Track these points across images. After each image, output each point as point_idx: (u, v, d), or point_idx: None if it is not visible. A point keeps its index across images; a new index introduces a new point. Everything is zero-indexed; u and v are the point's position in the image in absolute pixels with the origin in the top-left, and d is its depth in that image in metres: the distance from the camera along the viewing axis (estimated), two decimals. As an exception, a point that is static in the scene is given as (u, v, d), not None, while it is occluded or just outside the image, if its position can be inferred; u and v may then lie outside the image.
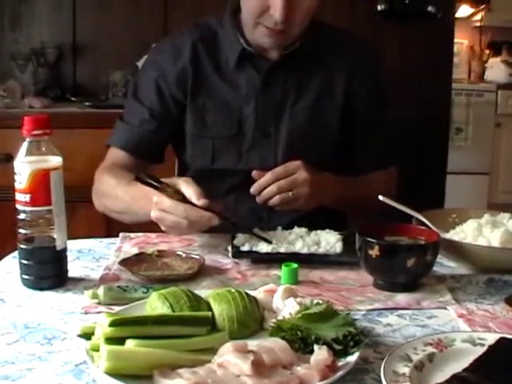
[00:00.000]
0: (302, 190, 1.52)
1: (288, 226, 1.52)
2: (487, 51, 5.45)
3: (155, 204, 1.39)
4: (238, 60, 1.70)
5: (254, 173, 1.54)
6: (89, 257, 1.45)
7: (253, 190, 1.53)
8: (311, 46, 1.72)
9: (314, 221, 1.53)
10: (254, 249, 1.41)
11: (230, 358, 0.89)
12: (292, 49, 1.69)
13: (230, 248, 1.45)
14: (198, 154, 1.73)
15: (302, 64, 1.72)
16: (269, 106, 1.71)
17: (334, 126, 1.74)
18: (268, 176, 1.51)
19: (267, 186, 1.51)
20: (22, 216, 1.22)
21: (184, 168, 1.81)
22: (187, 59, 1.72)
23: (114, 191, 1.62)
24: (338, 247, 1.41)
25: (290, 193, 1.51)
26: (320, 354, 0.92)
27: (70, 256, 1.33)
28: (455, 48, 4.30)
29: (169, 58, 1.73)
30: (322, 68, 1.74)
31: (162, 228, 1.42)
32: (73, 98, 3.40)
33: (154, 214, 1.40)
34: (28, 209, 1.21)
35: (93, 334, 0.97)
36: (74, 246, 1.47)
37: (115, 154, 1.75)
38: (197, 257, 1.39)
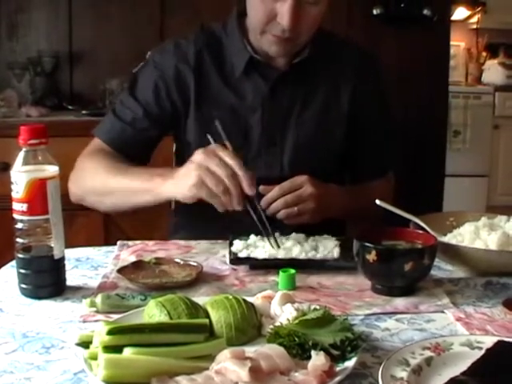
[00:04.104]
0: (308, 205, 1.53)
1: (290, 232, 1.52)
2: (484, 53, 5.45)
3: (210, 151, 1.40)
4: (245, 68, 1.70)
5: (262, 188, 1.52)
6: (87, 265, 1.45)
7: (262, 204, 1.53)
8: (319, 56, 1.72)
9: (314, 227, 1.53)
10: (252, 255, 1.41)
11: (227, 364, 0.89)
12: (300, 58, 1.70)
13: (227, 254, 1.46)
14: None
15: (310, 74, 1.73)
16: (275, 114, 1.72)
17: (340, 135, 1.76)
18: (275, 191, 1.51)
19: (275, 200, 1.51)
20: (19, 225, 1.22)
21: None
22: (191, 66, 1.71)
23: (107, 172, 1.62)
24: (335, 252, 1.42)
25: (296, 208, 1.51)
26: (317, 359, 0.92)
27: (67, 265, 1.32)
28: (452, 50, 4.31)
29: (171, 60, 1.73)
30: (328, 78, 1.75)
31: (195, 175, 1.39)
32: (70, 107, 3.41)
33: (202, 156, 1.39)
34: (25, 218, 1.21)
35: (91, 342, 0.96)
36: (71, 255, 1.47)
37: (100, 145, 1.74)
38: (194, 264, 1.39)
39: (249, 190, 1.39)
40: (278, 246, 1.43)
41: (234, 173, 1.38)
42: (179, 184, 1.44)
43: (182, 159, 1.81)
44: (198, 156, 1.41)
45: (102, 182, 1.64)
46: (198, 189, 1.39)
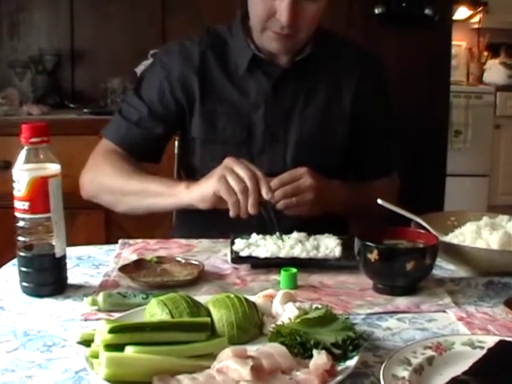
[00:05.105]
0: (307, 196, 1.53)
1: (291, 231, 1.51)
2: (485, 53, 5.46)
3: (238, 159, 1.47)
4: (248, 65, 1.72)
5: None
6: (88, 263, 1.45)
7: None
8: (320, 55, 1.75)
9: (317, 225, 1.53)
10: (253, 254, 1.41)
11: (229, 363, 0.89)
12: (303, 56, 1.72)
13: (229, 253, 1.46)
14: (208, 159, 1.74)
15: (312, 71, 1.75)
16: (278, 111, 1.74)
17: (342, 132, 1.77)
18: (274, 182, 1.52)
19: (275, 190, 1.52)
20: (20, 223, 1.22)
21: (193, 172, 1.81)
22: (195, 66, 1.74)
23: (129, 172, 1.67)
24: (337, 251, 1.41)
25: (294, 198, 1.52)
26: (319, 358, 0.92)
27: (69, 263, 1.33)
28: (453, 50, 4.31)
29: (176, 60, 1.76)
30: (329, 76, 1.77)
31: (217, 181, 1.44)
32: (71, 105, 3.41)
33: (230, 160, 1.47)
34: (27, 216, 1.22)
35: (92, 340, 0.97)
36: (73, 253, 1.47)
37: (111, 146, 1.77)
38: (196, 262, 1.39)
39: (266, 194, 1.42)
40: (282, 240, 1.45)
41: (255, 176, 1.43)
42: (202, 184, 1.51)
43: (186, 156, 1.83)
44: (226, 160, 1.48)
45: (121, 182, 1.67)
46: (219, 184, 1.44)
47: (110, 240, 1.66)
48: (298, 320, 1.03)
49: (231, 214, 1.45)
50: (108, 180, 1.70)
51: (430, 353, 0.99)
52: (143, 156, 1.77)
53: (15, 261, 1.29)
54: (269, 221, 1.47)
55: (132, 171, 1.68)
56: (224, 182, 1.44)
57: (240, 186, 1.42)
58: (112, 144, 1.77)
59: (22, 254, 1.24)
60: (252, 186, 1.42)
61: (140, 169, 1.72)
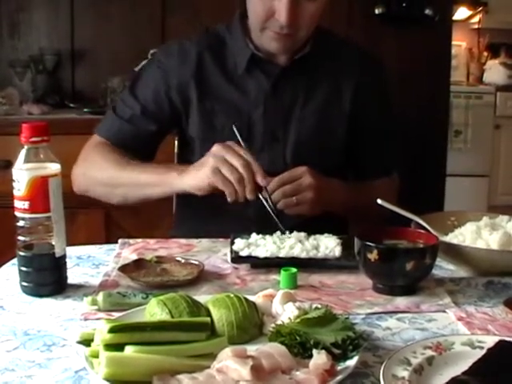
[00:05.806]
0: (307, 195, 1.54)
1: (292, 230, 1.51)
2: (485, 53, 5.46)
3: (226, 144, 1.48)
4: (247, 65, 1.72)
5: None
6: (88, 263, 1.45)
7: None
8: (320, 53, 1.75)
9: (317, 225, 1.53)
10: (253, 254, 1.41)
11: (229, 363, 0.89)
12: (301, 54, 1.72)
13: (229, 253, 1.46)
14: None
15: (311, 70, 1.75)
16: (277, 109, 1.74)
17: (341, 131, 1.77)
18: (274, 181, 1.52)
19: (275, 191, 1.52)
20: (20, 223, 1.22)
21: None
22: (193, 66, 1.74)
23: (119, 164, 1.67)
24: (336, 251, 1.41)
25: (294, 198, 1.53)
26: (319, 358, 0.92)
27: (69, 262, 1.33)
28: (453, 50, 4.31)
29: (174, 61, 1.76)
30: (328, 75, 1.77)
31: (211, 164, 1.45)
32: (71, 105, 3.41)
33: (218, 147, 1.47)
34: (27, 216, 1.21)
35: (92, 340, 0.96)
36: (73, 253, 1.47)
37: (102, 141, 1.77)
38: (196, 262, 1.39)
39: (262, 181, 1.44)
40: (284, 233, 1.47)
41: (248, 163, 1.44)
42: (195, 174, 1.51)
43: (185, 155, 1.83)
44: (215, 148, 1.48)
45: (113, 173, 1.68)
46: (214, 176, 1.44)
47: (109, 240, 1.66)
48: (298, 320, 1.03)
49: (229, 200, 1.46)
50: (100, 172, 1.70)
51: (429, 353, 0.99)
52: (136, 153, 1.75)
53: (15, 260, 1.29)
54: (267, 205, 1.48)
55: (125, 162, 1.68)
56: (219, 173, 1.44)
57: (235, 175, 1.43)
58: (104, 140, 1.77)
59: (21, 253, 1.24)
60: (247, 175, 1.43)
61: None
